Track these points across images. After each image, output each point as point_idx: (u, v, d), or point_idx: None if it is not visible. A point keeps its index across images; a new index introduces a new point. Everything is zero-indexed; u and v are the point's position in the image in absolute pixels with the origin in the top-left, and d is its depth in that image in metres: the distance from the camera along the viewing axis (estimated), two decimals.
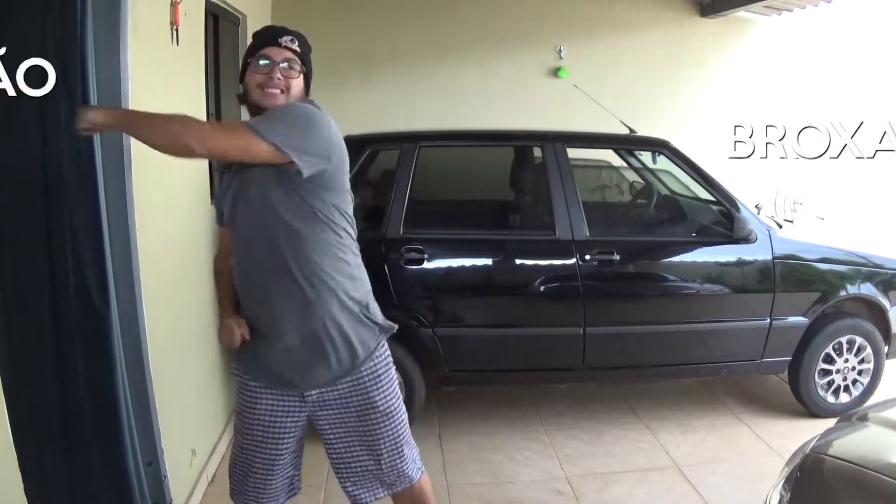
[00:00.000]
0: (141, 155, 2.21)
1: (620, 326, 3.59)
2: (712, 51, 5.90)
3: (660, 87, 5.77)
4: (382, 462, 2.08)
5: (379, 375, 2.02)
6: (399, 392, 2.10)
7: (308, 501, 3.01)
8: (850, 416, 2.19)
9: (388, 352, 2.07)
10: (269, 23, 5.16)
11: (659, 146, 3.82)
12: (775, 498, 1.89)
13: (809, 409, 3.80)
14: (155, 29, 2.56)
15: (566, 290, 3.52)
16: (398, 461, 2.09)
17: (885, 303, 3.80)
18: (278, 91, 1.88)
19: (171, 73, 2.75)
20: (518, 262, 3.60)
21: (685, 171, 3.75)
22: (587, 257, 3.48)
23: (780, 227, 3.87)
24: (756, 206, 3.98)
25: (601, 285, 3.55)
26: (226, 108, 4.07)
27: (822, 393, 3.79)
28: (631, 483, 3.18)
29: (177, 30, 2.71)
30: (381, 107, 5.30)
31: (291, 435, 2.06)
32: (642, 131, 4.09)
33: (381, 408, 2.02)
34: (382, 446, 2.06)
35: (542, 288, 3.49)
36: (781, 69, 5.99)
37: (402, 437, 2.09)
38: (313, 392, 2.00)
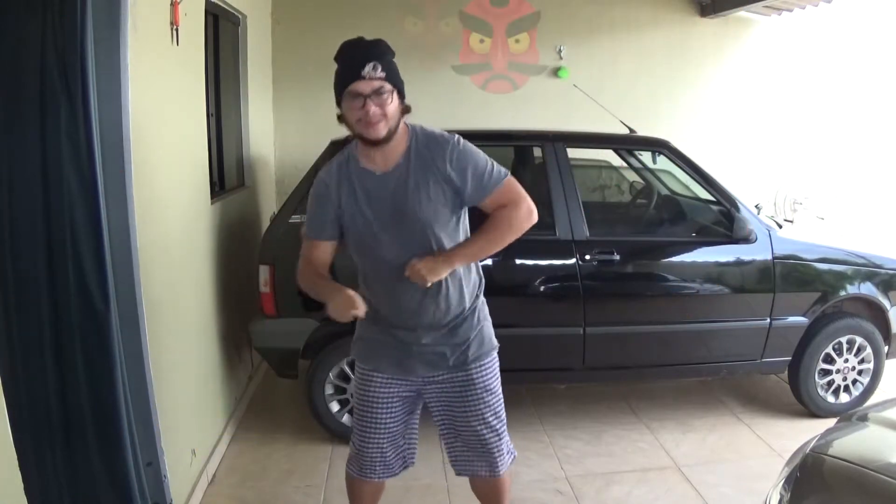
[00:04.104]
0: (141, 155, 2.22)
1: (620, 326, 3.59)
2: (712, 51, 5.90)
3: (660, 87, 5.78)
4: (481, 438, 2.24)
5: (481, 356, 2.21)
6: (499, 375, 2.27)
7: (308, 501, 3.01)
8: (850, 416, 2.19)
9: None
10: (269, 22, 5.23)
11: (659, 146, 3.82)
12: (775, 498, 1.89)
13: (809, 409, 3.80)
14: (155, 29, 2.56)
15: (566, 290, 3.52)
16: (494, 439, 2.25)
17: (885, 303, 3.80)
18: (378, 122, 1.93)
19: (171, 73, 2.75)
20: (518, 262, 3.59)
21: (685, 171, 3.74)
22: (587, 257, 3.48)
23: (780, 227, 3.87)
24: (756, 206, 3.97)
25: (601, 285, 3.55)
26: (226, 108, 4.08)
27: (822, 393, 3.79)
28: (631, 483, 3.18)
29: (177, 30, 2.71)
30: None
31: (400, 409, 2.26)
32: (642, 131, 4.08)
33: (480, 384, 2.20)
34: (482, 419, 2.21)
35: (542, 288, 3.50)
36: (781, 69, 5.99)
37: (499, 414, 2.26)
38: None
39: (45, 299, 1.82)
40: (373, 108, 1.90)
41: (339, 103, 1.99)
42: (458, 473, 2.38)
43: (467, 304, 2.16)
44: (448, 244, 2.06)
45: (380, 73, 1.90)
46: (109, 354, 1.88)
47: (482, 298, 2.24)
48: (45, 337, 1.83)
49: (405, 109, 2.03)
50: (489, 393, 2.22)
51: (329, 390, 3.45)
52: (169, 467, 2.20)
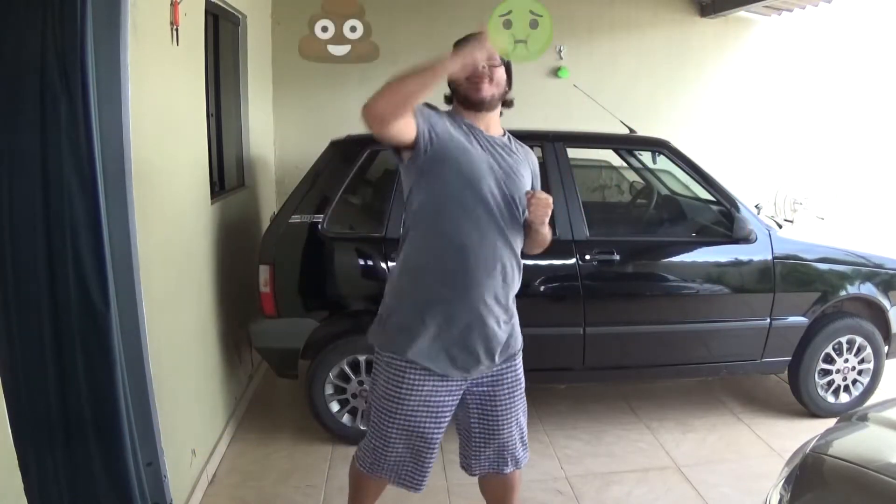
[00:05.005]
0: (141, 155, 2.22)
1: (620, 326, 3.59)
2: (712, 51, 5.89)
3: (660, 87, 5.77)
4: (514, 435, 2.30)
5: (518, 357, 2.29)
6: None
7: (308, 501, 3.01)
8: (850, 416, 2.19)
9: None
10: (269, 22, 5.23)
11: (659, 146, 3.82)
12: (775, 498, 1.89)
13: (809, 409, 3.80)
14: (155, 29, 2.56)
15: (566, 290, 3.52)
16: (524, 433, 2.35)
17: (885, 303, 3.80)
18: (485, 80, 2.09)
19: (171, 73, 2.75)
20: None
21: (685, 171, 3.75)
22: (587, 257, 3.48)
23: (780, 227, 3.87)
24: (756, 206, 3.97)
25: (601, 285, 3.55)
26: (226, 108, 4.08)
27: (822, 393, 3.79)
28: (631, 483, 3.18)
29: (177, 30, 2.71)
30: None
31: (448, 415, 2.22)
32: (642, 131, 4.08)
33: (522, 381, 2.29)
34: (521, 417, 2.31)
35: (542, 288, 3.49)
36: (781, 69, 5.99)
37: (526, 411, 2.35)
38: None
39: (45, 299, 1.82)
40: (482, 65, 2.06)
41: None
42: (475, 473, 2.35)
43: (512, 297, 2.22)
44: (519, 221, 2.14)
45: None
46: (109, 354, 1.88)
47: None
48: (45, 337, 1.83)
49: (507, 100, 2.21)
50: (524, 391, 2.31)
51: (329, 390, 3.45)
52: (169, 467, 2.20)
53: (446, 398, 2.16)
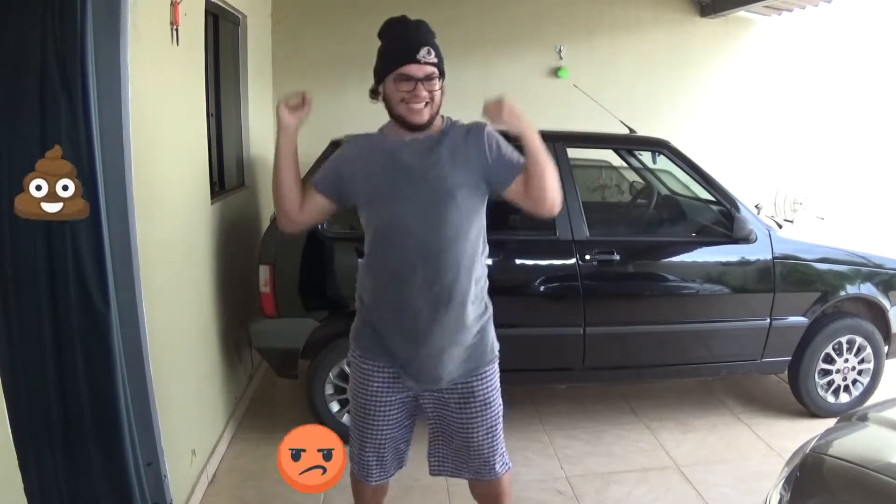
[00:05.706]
0: (141, 155, 2.22)
1: (620, 326, 3.59)
2: (712, 51, 5.90)
3: (660, 87, 5.78)
4: (472, 449, 2.19)
5: (485, 371, 2.14)
6: (499, 386, 2.20)
7: (308, 501, 3.01)
8: (850, 416, 2.20)
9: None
10: (269, 23, 5.23)
11: (659, 146, 3.82)
12: (775, 498, 1.89)
13: (809, 409, 3.80)
14: (155, 29, 2.56)
15: (566, 290, 3.52)
16: (487, 451, 2.19)
17: (885, 303, 3.80)
18: (423, 106, 1.94)
19: (171, 73, 2.75)
20: (518, 262, 3.59)
21: (685, 171, 3.75)
22: (587, 257, 3.48)
23: (780, 227, 3.87)
24: (756, 206, 3.97)
25: (601, 285, 3.55)
26: (226, 108, 4.08)
27: (822, 393, 3.79)
28: (631, 483, 3.18)
29: (177, 30, 2.71)
30: (381, 107, 5.30)
31: (398, 414, 2.19)
32: (642, 131, 4.09)
33: (481, 397, 2.13)
34: (476, 434, 2.16)
35: (542, 288, 3.49)
36: (781, 69, 5.99)
37: (495, 428, 2.19)
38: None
39: (45, 299, 1.82)
40: (423, 92, 1.92)
41: (379, 81, 1.99)
42: (434, 473, 2.33)
43: (472, 313, 2.07)
44: (466, 227, 2.00)
45: (433, 58, 1.93)
46: (109, 354, 1.88)
47: (487, 301, 2.16)
48: (45, 337, 1.83)
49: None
50: (487, 407, 2.15)
51: (329, 390, 3.45)
52: (169, 467, 2.20)
53: (398, 396, 2.16)
